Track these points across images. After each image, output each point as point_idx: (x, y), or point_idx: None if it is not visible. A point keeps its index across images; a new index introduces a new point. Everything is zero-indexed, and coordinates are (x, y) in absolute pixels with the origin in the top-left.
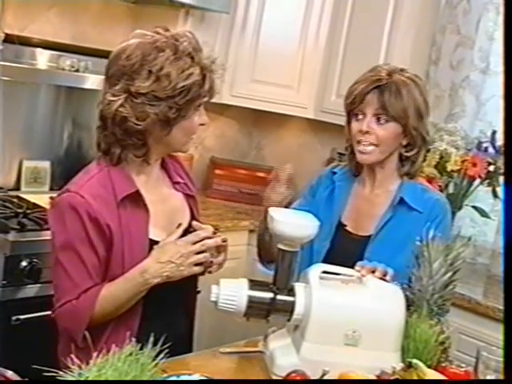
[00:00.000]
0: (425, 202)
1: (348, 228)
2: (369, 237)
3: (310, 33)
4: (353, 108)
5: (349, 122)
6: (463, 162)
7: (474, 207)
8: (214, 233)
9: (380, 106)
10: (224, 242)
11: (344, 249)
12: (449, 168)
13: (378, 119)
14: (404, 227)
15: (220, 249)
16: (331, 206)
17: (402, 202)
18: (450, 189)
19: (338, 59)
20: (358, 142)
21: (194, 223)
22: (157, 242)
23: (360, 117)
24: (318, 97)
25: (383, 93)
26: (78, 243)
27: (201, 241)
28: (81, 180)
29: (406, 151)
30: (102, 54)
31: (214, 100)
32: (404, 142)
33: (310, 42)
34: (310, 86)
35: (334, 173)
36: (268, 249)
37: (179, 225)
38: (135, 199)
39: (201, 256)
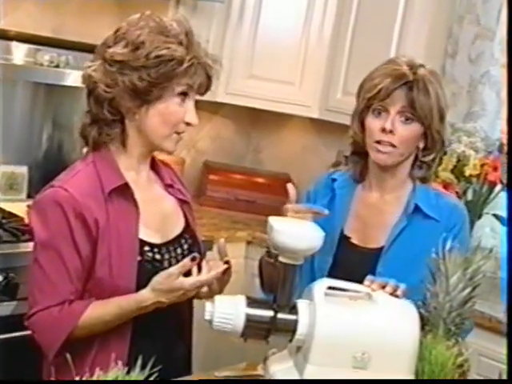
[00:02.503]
0: (441, 209)
1: (353, 240)
2: (379, 249)
3: (313, 23)
4: (374, 103)
5: (360, 119)
6: (483, 165)
7: (494, 216)
8: (226, 262)
9: (408, 103)
10: (226, 263)
11: (350, 264)
12: (467, 172)
13: (403, 118)
14: (420, 238)
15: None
16: (332, 217)
17: (416, 209)
18: (469, 195)
19: (345, 52)
20: (377, 142)
21: (204, 263)
22: (148, 244)
23: (382, 114)
24: (322, 94)
25: (412, 89)
26: (60, 242)
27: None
28: (65, 176)
29: (424, 155)
30: (84, 48)
31: (207, 98)
32: (421, 145)
33: (314, 34)
34: (313, 82)
35: (333, 180)
36: (272, 275)
37: (193, 258)
38: (124, 193)
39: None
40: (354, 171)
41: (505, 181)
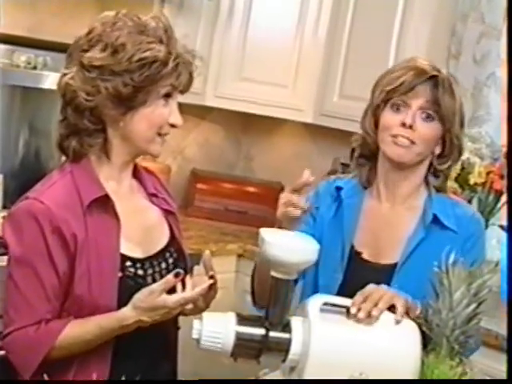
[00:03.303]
0: (458, 219)
1: (365, 256)
2: (394, 265)
3: (308, 22)
4: (394, 96)
5: (375, 115)
6: (488, 173)
7: (501, 227)
8: (211, 276)
9: (432, 99)
10: (212, 278)
11: (362, 282)
12: (472, 181)
13: (424, 114)
14: (438, 251)
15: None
16: (340, 230)
17: (433, 220)
18: (474, 205)
19: (342, 53)
20: (394, 136)
21: (188, 279)
22: (130, 259)
23: (401, 109)
24: (317, 98)
25: (436, 86)
26: (36, 259)
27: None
28: (41, 187)
29: (439, 163)
30: (63, 49)
31: (195, 102)
32: (437, 151)
33: (308, 33)
34: (307, 84)
35: (339, 188)
36: (265, 291)
37: (177, 274)
38: (104, 205)
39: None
40: (360, 176)
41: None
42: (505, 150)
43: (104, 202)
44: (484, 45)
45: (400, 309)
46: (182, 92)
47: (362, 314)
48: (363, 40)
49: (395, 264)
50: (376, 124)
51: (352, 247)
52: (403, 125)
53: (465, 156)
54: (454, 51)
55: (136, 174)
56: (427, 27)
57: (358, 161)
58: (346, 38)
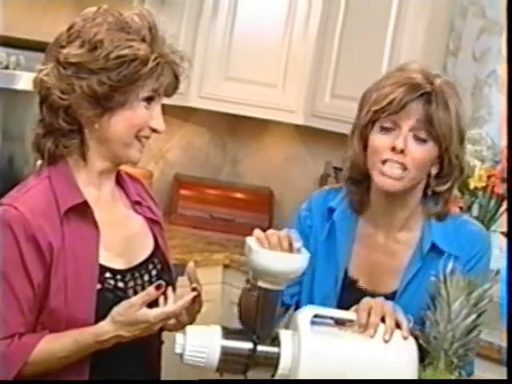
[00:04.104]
0: (461, 242)
1: (361, 284)
2: (391, 294)
3: (297, 17)
4: (382, 117)
5: (363, 136)
6: (490, 177)
7: (503, 233)
8: (194, 289)
9: (425, 119)
10: (194, 290)
11: None
12: (472, 185)
13: (417, 135)
14: None
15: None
16: (333, 254)
17: (433, 247)
18: (474, 211)
19: (333, 50)
20: (384, 162)
21: (170, 291)
22: (110, 270)
23: (391, 130)
24: (308, 98)
25: (430, 103)
26: (9, 270)
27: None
28: (16, 193)
29: (437, 184)
30: (37, 47)
31: (178, 103)
32: (434, 171)
33: (298, 29)
34: (297, 84)
35: (331, 210)
36: (252, 309)
37: (158, 286)
38: (82, 213)
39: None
40: (351, 202)
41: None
42: (505, 151)
43: (82, 210)
44: (484, 41)
45: (405, 324)
46: (168, 95)
47: (372, 331)
48: (356, 36)
49: (393, 293)
50: (365, 145)
51: (346, 273)
52: (393, 149)
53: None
54: (453, 48)
55: (119, 180)
56: (424, 23)
57: (348, 187)
58: (338, 34)
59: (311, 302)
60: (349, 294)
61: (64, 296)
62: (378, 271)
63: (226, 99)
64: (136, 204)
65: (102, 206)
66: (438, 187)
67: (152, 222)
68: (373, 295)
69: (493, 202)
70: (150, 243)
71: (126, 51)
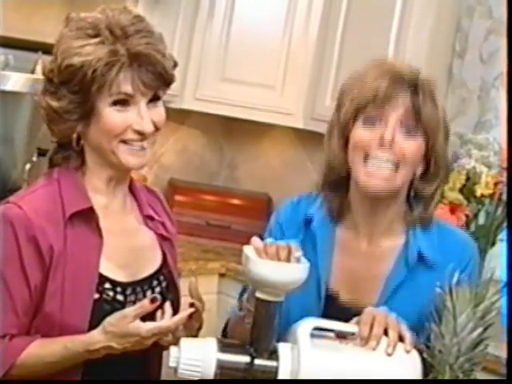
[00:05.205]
0: (447, 251)
1: (342, 298)
2: (376, 306)
3: (297, 16)
4: (366, 111)
5: (344, 133)
6: (497, 184)
7: None
8: (192, 304)
9: (413, 110)
10: (192, 306)
11: None
12: (478, 192)
13: (404, 128)
14: (423, 290)
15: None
16: (314, 268)
17: (418, 255)
18: (481, 219)
19: (334, 51)
20: (368, 160)
21: (167, 306)
22: (110, 281)
23: (376, 124)
24: (307, 100)
25: (417, 94)
26: (8, 270)
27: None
28: (23, 192)
29: (423, 186)
30: (27, 46)
31: (172, 105)
32: (418, 172)
33: (298, 29)
34: (297, 86)
35: (309, 219)
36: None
37: (153, 299)
38: (87, 219)
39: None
40: (329, 210)
41: None
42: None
43: (88, 216)
44: (492, 42)
45: (408, 337)
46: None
47: (374, 343)
48: (358, 37)
49: (376, 305)
50: (345, 144)
51: (327, 288)
52: (381, 143)
53: (471, 165)
54: (459, 49)
55: (133, 191)
56: (429, 23)
57: (325, 194)
58: (339, 34)
59: (289, 316)
60: (330, 310)
61: (60, 301)
62: (360, 283)
63: (223, 101)
64: (148, 218)
65: (110, 214)
66: (423, 189)
67: (162, 239)
68: (355, 308)
69: (500, 210)
70: (158, 259)
71: (73, 59)
